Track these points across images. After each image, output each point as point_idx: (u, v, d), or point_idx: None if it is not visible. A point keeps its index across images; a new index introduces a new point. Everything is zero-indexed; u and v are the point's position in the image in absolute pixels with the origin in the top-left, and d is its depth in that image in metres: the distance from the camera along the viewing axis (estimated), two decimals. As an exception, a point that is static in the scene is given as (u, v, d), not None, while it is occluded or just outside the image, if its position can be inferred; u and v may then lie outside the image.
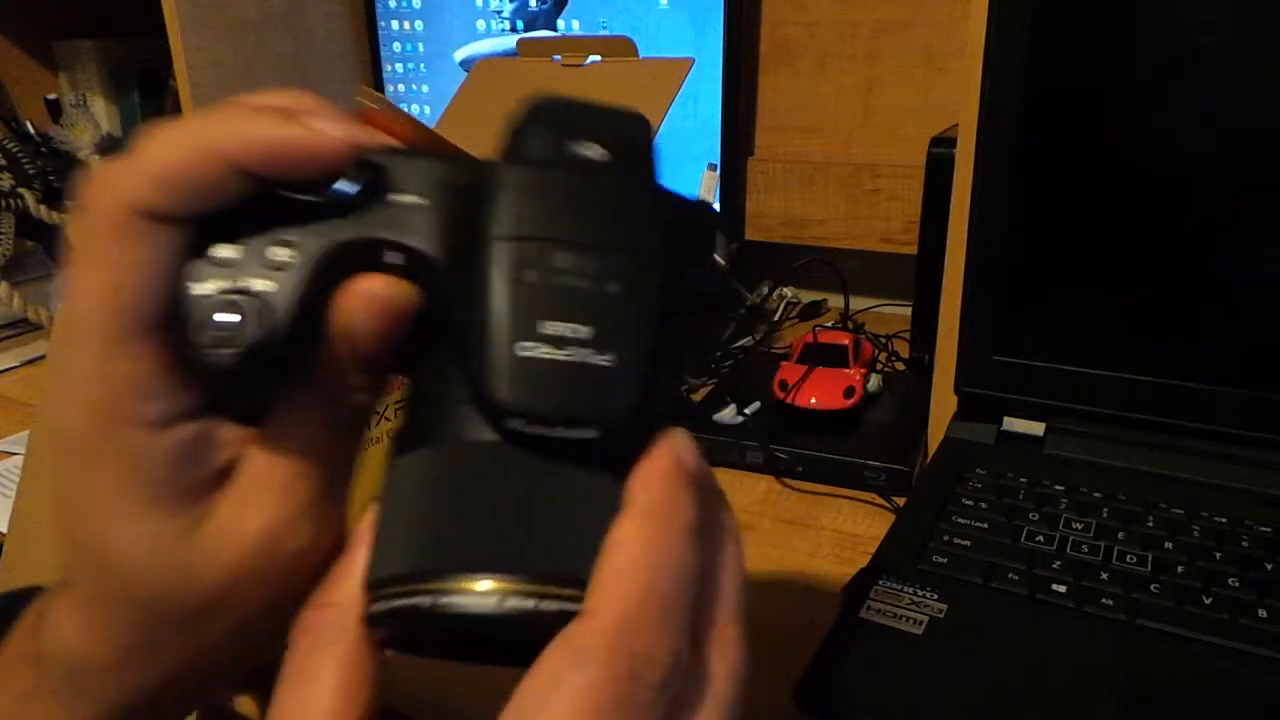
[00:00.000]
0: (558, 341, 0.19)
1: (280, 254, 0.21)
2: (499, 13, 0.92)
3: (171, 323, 0.20)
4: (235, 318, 0.20)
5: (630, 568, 0.19)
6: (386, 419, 0.46)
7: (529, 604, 0.19)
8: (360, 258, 0.21)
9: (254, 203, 0.20)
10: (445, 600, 0.19)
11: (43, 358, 0.82)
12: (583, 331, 0.20)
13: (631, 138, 0.22)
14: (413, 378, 0.23)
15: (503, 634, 0.19)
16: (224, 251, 0.21)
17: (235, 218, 0.20)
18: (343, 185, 0.21)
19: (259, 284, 0.20)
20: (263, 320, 0.20)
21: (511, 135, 0.22)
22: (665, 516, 0.20)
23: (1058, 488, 0.47)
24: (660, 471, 0.20)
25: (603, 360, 0.20)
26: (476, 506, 0.20)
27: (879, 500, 0.55)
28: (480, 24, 0.93)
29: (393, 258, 0.21)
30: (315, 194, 0.21)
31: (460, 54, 0.96)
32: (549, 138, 0.21)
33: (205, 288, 0.20)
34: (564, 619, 0.19)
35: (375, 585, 0.20)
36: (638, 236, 0.21)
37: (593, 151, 0.21)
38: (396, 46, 0.99)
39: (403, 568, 0.20)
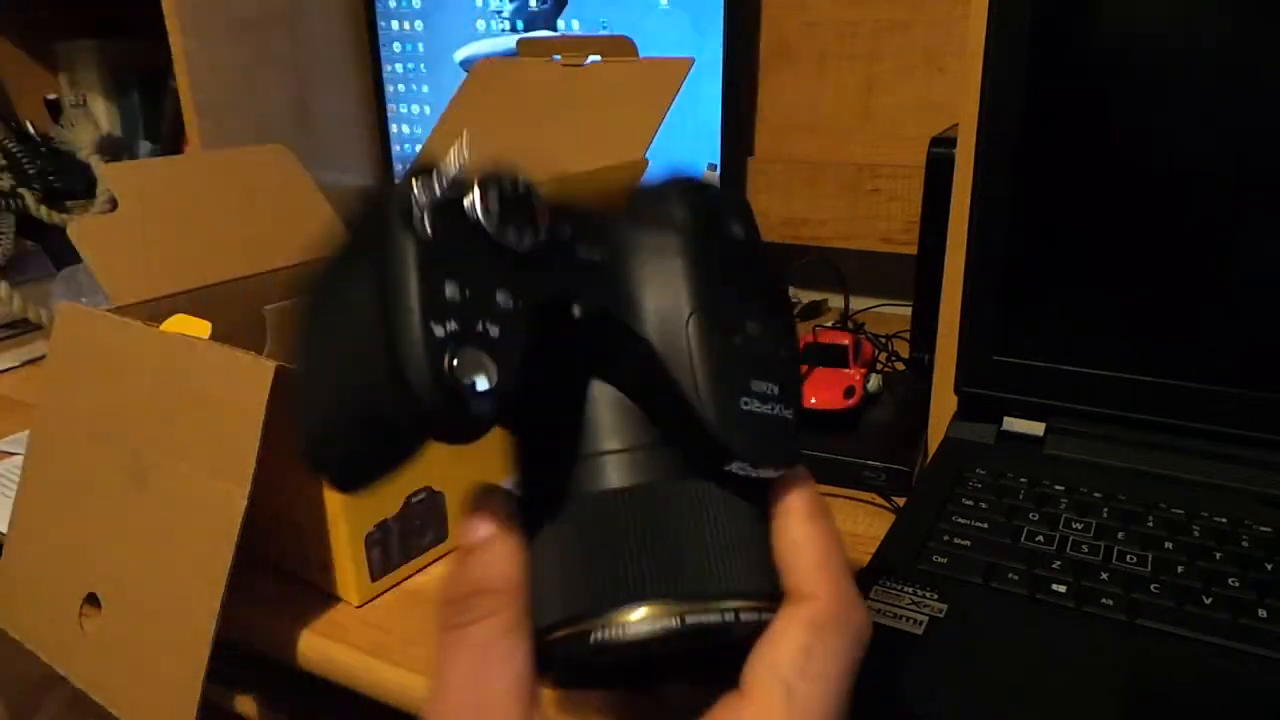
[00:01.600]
0: (764, 399, 0.23)
1: (504, 301, 0.20)
2: (499, 13, 0.92)
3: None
4: (483, 360, 0.19)
5: (828, 556, 0.24)
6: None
7: (753, 617, 0.22)
8: (554, 311, 0.21)
9: (464, 238, 0.20)
10: (694, 619, 0.21)
11: (43, 358, 0.82)
12: (775, 390, 0.23)
13: (752, 217, 0.25)
14: (523, 437, 0.24)
15: (687, 650, 0.22)
16: (451, 291, 0.19)
17: (452, 251, 0.20)
18: (550, 235, 0.21)
19: (491, 329, 0.19)
20: (503, 367, 0.19)
21: (656, 200, 0.23)
22: (824, 512, 0.25)
23: (1058, 488, 0.47)
24: (808, 481, 0.25)
25: (787, 414, 0.24)
26: (643, 544, 0.22)
27: (879, 500, 0.55)
28: (480, 24, 0.93)
29: (576, 313, 0.22)
30: (526, 242, 0.21)
31: (460, 54, 0.96)
32: (701, 213, 0.23)
33: (445, 328, 0.19)
34: (762, 627, 0.22)
35: (549, 630, 0.22)
36: (785, 305, 0.25)
37: (738, 229, 0.24)
38: (396, 46, 0.99)
39: (590, 604, 0.22)
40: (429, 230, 0.19)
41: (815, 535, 0.24)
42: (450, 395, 0.19)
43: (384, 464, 0.22)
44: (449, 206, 0.20)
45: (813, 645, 0.23)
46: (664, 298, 0.22)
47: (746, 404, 0.22)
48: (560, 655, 0.22)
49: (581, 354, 0.23)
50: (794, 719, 0.22)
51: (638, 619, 0.21)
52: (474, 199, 0.20)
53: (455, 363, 0.19)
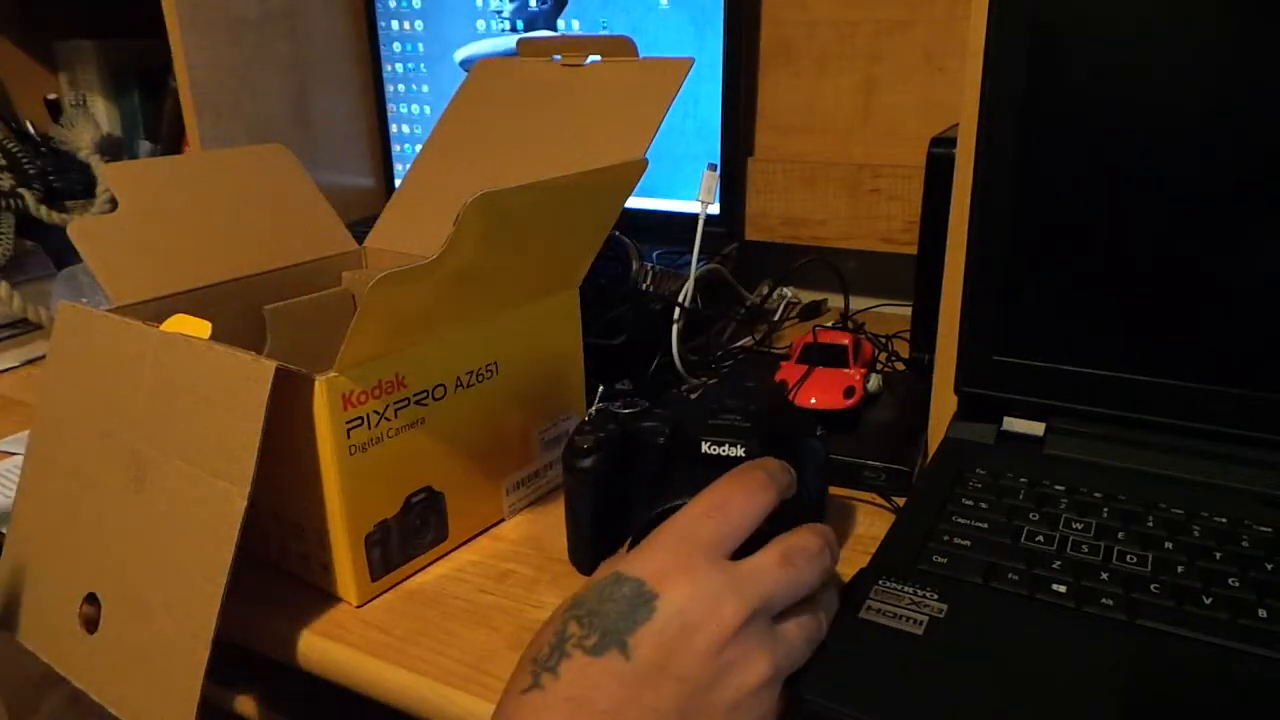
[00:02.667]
0: (727, 419, 0.45)
1: (610, 426, 0.47)
2: (499, 13, 0.92)
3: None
4: (590, 440, 0.47)
5: (722, 482, 0.38)
6: (386, 419, 0.46)
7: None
8: (635, 433, 0.47)
9: (609, 415, 0.48)
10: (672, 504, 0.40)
11: (43, 357, 0.82)
12: (738, 419, 0.45)
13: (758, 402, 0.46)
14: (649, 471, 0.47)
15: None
16: (590, 427, 0.47)
17: (599, 419, 0.48)
18: (641, 407, 0.49)
19: (599, 435, 0.47)
20: (599, 446, 0.47)
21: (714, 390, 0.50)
22: (747, 472, 0.39)
23: (1058, 488, 0.47)
24: (748, 465, 0.40)
25: (745, 424, 0.44)
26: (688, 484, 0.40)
27: (879, 500, 0.55)
28: (480, 24, 0.93)
29: (652, 436, 0.47)
30: (626, 411, 0.48)
31: (460, 54, 0.96)
32: (722, 405, 0.46)
33: (582, 437, 0.47)
34: None
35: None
36: (752, 411, 0.45)
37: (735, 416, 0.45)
38: (396, 46, 0.99)
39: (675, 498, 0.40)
40: (590, 410, 0.50)
41: (731, 474, 0.39)
42: (574, 454, 0.47)
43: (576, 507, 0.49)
44: (606, 408, 0.49)
45: (696, 502, 0.38)
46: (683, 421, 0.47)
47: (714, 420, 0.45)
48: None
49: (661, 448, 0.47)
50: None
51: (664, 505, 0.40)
52: (617, 404, 0.49)
53: (577, 438, 0.47)
